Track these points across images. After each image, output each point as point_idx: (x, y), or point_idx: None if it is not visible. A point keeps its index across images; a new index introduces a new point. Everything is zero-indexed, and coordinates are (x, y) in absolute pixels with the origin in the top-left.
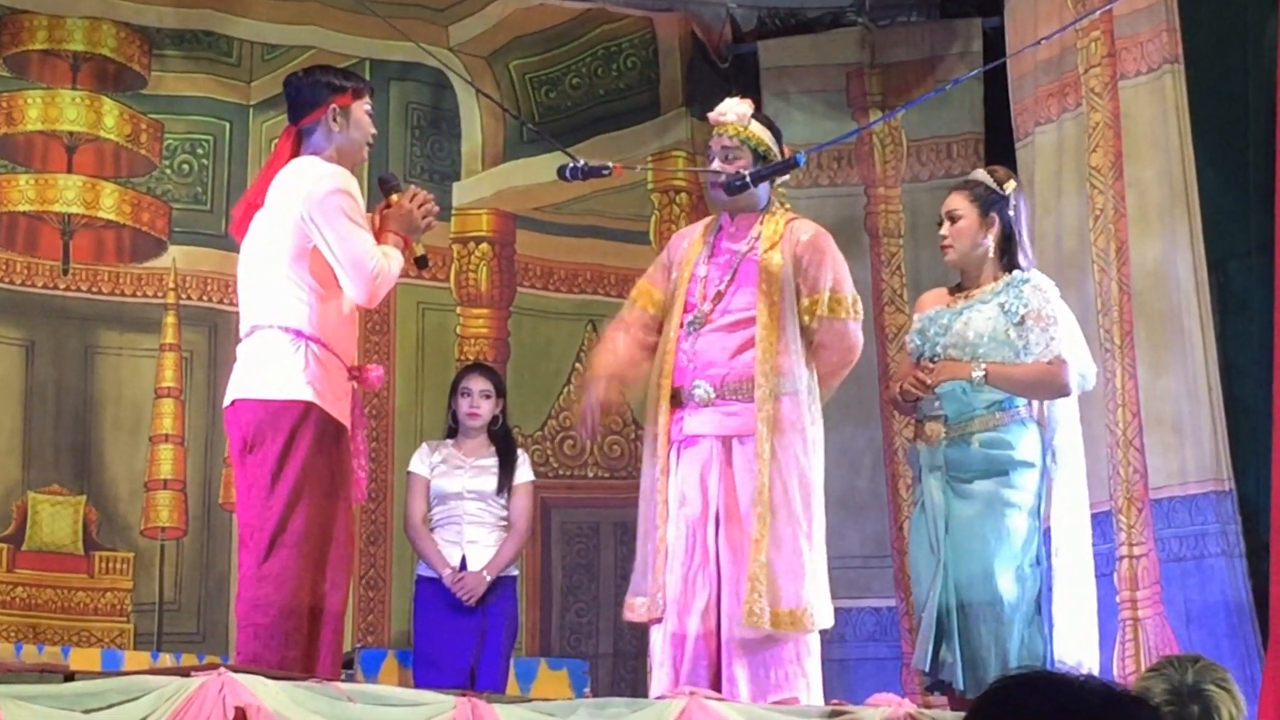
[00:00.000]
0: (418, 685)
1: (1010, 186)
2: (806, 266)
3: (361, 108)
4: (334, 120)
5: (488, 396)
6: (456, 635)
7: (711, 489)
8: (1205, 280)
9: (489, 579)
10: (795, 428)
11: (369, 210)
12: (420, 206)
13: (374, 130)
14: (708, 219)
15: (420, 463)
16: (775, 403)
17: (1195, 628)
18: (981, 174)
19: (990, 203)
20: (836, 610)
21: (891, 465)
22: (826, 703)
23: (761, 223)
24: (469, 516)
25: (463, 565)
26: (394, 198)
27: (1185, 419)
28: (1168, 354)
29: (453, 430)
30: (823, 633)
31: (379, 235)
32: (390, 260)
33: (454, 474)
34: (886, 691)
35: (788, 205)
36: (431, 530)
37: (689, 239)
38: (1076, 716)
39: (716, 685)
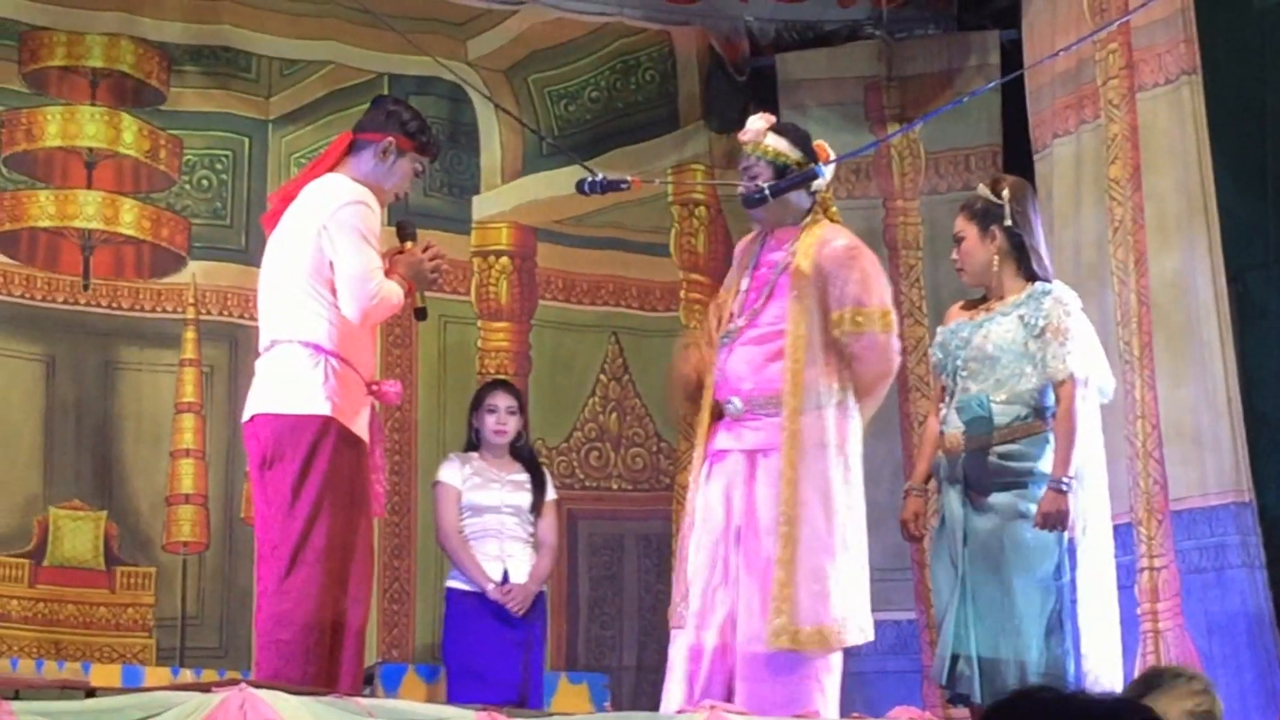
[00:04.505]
0: (457, 700)
1: (1007, 194)
2: (831, 279)
3: (414, 161)
4: (384, 153)
5: (513, 413)
6: (504, 649)
7: (735, 504)
8: (1224, 291)
9: (535, 590)
10: (820, 444)
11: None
12: (431, 259)
13: (409, 189)
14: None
15: (452, 474)
16: (799, 419)
17: (1216, 639)
18: (980, 189)
19: (988, 217)
20: None
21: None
22: (846, 716)
23: (800, 234)
24: (507, 531)
25: (505, 578)
26: (407, 245)
27: (1205, 430)
28: (1187, 365)
29: (473, 445)
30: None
31: (386, 275)
32: (392, 290)
33: (490, 487)
34: (907, 704)
35: (833, 210)
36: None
37: (743, 248)
38: None
39: (730, 700)
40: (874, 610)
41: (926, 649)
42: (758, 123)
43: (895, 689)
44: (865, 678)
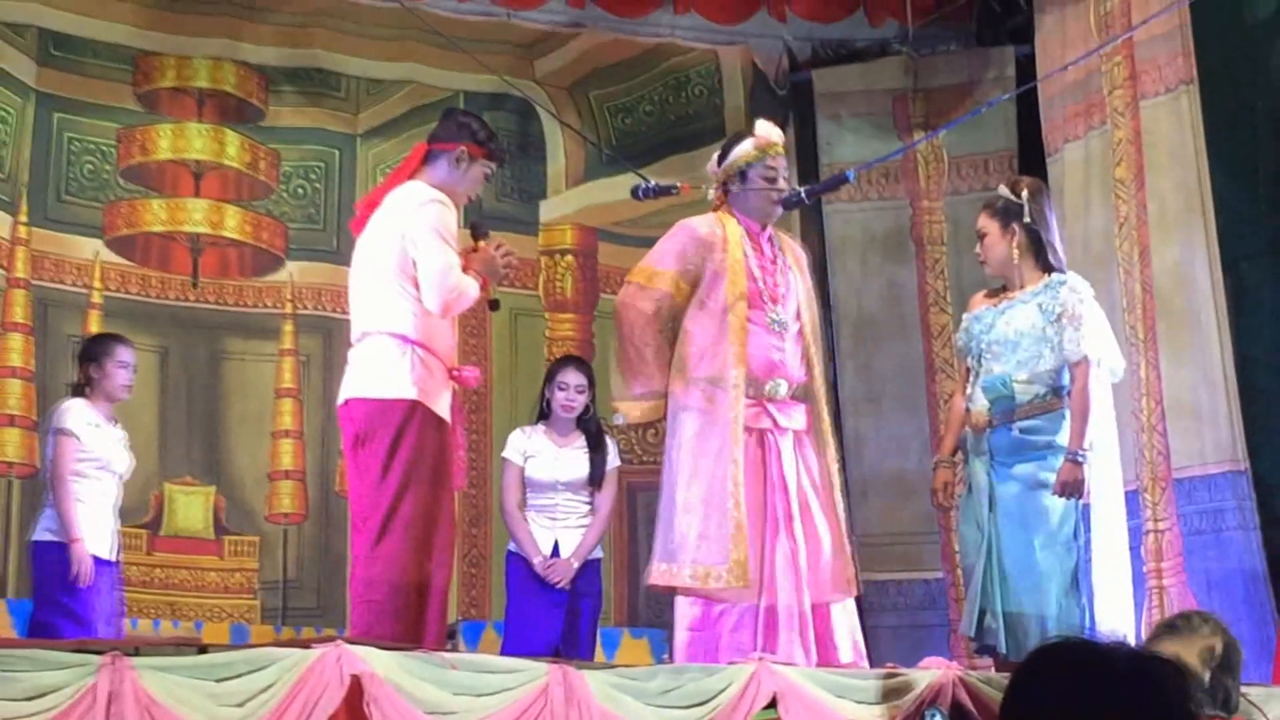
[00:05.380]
0: (505, 653)
1: (1025, 194)
2: (807, 282)
3: (483, 167)
4: (457, 160)
5: (581, 391)
6: (545, 609)
7: (803, 477)
8: (1220, 279)
9: (576, 565)
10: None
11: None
12: (503, 257)
13: (480, 192)
14: (712, 216)
15: (514, 451)
16: (829, 404)
17: (1215, 595)
18: (1001, 189)
19: (1009, 214)
20: (889, 582)
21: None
22: (881, 666)
23: (775, 236)
24: (561, 506)
25: (555, 550)
26: (481, 243)
27: (1204, 405)
28: (1187, 347)
29: (543, 414)
30: (875, 601)
31: (463, 271)
32: (469, 284)
33: (548, 465)
34: (936, 655)
35: None
36: (525, 512)
37: (712, 233)
38: (1108, 679)
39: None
40: (906, 570)
41: (953, 605)
42: (778, 129)
43: (925, 641)
44: (898, 631)
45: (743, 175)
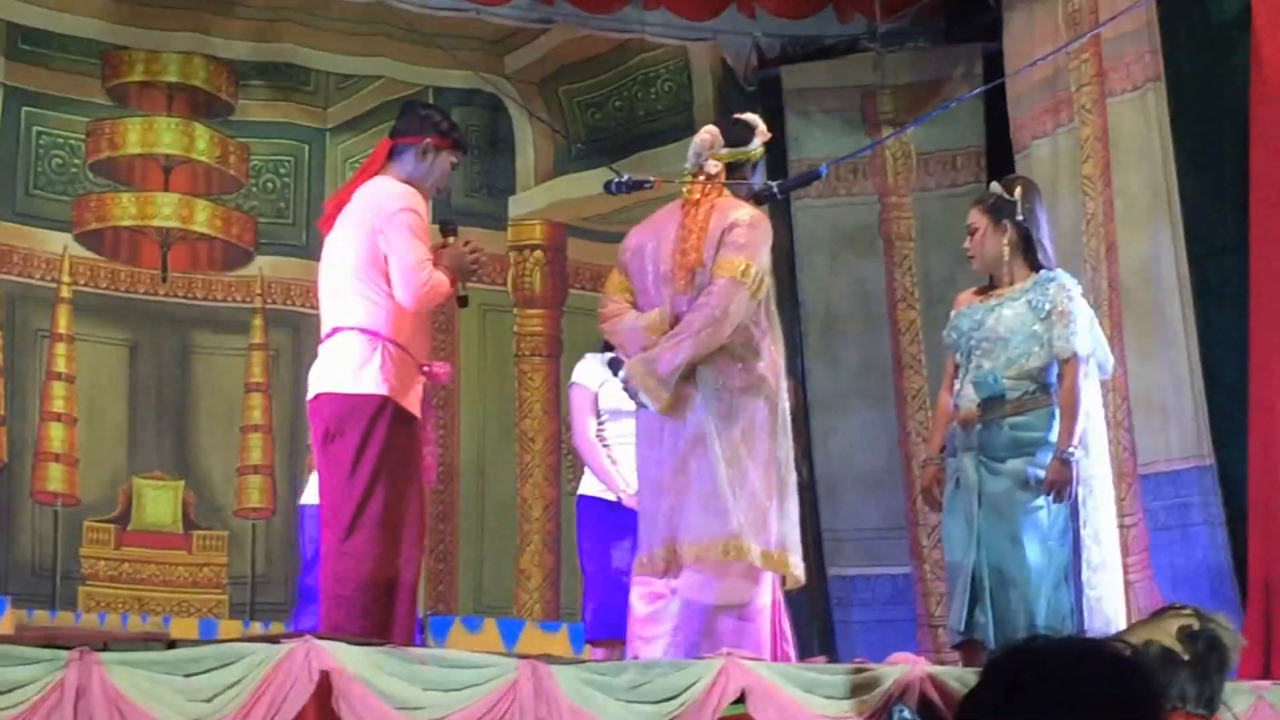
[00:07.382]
0: (596, 607)
1: (1019, 192)
2: None
3: (449, 158)
4: (423, 153)
5: None
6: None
7: None
8: (1187, 275)
9: None
10: None
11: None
12: (471, 253)
13: (447, 183)
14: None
15: (588, 376)
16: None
17: (1181, 589)
18: (994, 186)
19: (1001, 211)
20: (857, 577)
21: (905, 446)
22: (849, 661)
23: None
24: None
25: None
26: (449, 240)
27: (1170, 401)
28: (1154, 343)
29: (608, 345)
30: (842, 596)
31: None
32: (440, 280)
33: None
34: (904, 650)
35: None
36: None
37: None
38: (1072, 681)
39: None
40: (874, 565)
41: (920, 600)
42: None
43: (893, 637)
44: (866, 626)
45: (755, 168)
